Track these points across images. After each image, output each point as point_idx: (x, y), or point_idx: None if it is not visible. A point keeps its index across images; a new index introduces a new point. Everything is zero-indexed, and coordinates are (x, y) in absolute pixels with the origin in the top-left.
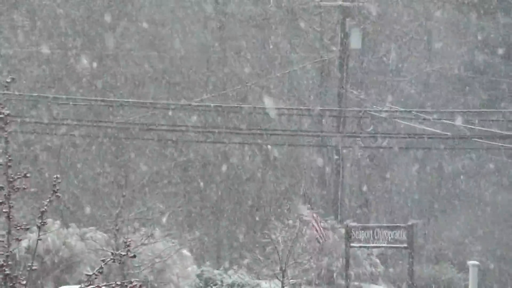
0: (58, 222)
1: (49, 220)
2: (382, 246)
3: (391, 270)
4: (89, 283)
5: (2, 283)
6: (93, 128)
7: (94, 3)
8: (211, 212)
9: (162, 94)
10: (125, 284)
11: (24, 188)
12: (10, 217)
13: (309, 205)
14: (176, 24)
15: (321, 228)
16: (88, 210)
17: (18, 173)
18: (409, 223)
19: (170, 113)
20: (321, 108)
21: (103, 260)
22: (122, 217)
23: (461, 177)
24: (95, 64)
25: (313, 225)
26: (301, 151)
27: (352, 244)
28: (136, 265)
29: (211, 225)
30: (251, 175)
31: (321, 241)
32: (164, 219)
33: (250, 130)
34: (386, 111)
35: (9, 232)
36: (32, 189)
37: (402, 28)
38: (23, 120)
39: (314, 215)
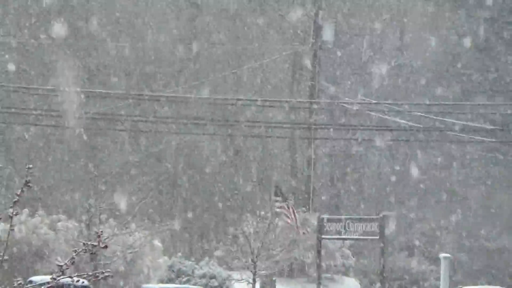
0: (26, 210)
1: (18, 209)
2: (354, 238)
3: (362, 262)
4: (60, 273)
5: None
6: (66, 118)
7: None
8: (183, 203)
9: (134, 85)
10: (97, 274)
11: None
12: None
13: (282, 196)
14: (149, 15)
15: (296, 219)
16: (59, 199)
17: None
18: (381, 215)
19: (142, 104)
20: (293, 100)
21: (75, 251)
22: (94, 207)
23: (433, 169)
24: (67, 54)
25: (287, 215)
26: (273, 143)
27: (324, 236)
28: (108, 255)
29: (183, 216)
30: (223, 166)
31: (299, 231)
32: (135, 210)
33: (222, 121)
34: (359, 103)
35: None
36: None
37: (375, 20)
38: None
39: (289, 205)
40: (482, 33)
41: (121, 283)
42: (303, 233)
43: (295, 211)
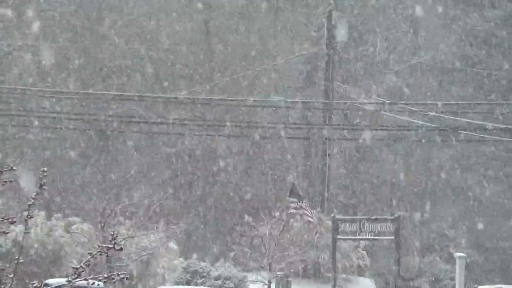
0: (42, 213)
1: (34, 212)
2: (369, 239)
3: (377, 262)
4: (76, 276)
5: None
6: (80, 120)
7: None
8: (198, 205)
9: (149, 87)
10: (112, 276)
11: (10, 181)
12: None
13: (297, 197)
14: (163, 17)
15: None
16: (74, 202)
17: (5, 166)
18: (396, 215)
19: (157, 106)
20: (307, 100)
21: (90, 253)
22: (109, 210)
23: (448, 169)
24: (82, 58)
25: (307, 215)
26: (288, 144)
27: (339, 237)
28: (123, 257)
29: (198, 218)
30: (238, 167)
31: (315, 231)
32: (151, 212)
33: (237, 123)
34: (373, 103)
35: None
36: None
37: (388, 20)
38: (10, 113)
39: (304, 206)
40: (495, 32)
41: (137, 285)
42: (316, 233)
43: (311, 211)
